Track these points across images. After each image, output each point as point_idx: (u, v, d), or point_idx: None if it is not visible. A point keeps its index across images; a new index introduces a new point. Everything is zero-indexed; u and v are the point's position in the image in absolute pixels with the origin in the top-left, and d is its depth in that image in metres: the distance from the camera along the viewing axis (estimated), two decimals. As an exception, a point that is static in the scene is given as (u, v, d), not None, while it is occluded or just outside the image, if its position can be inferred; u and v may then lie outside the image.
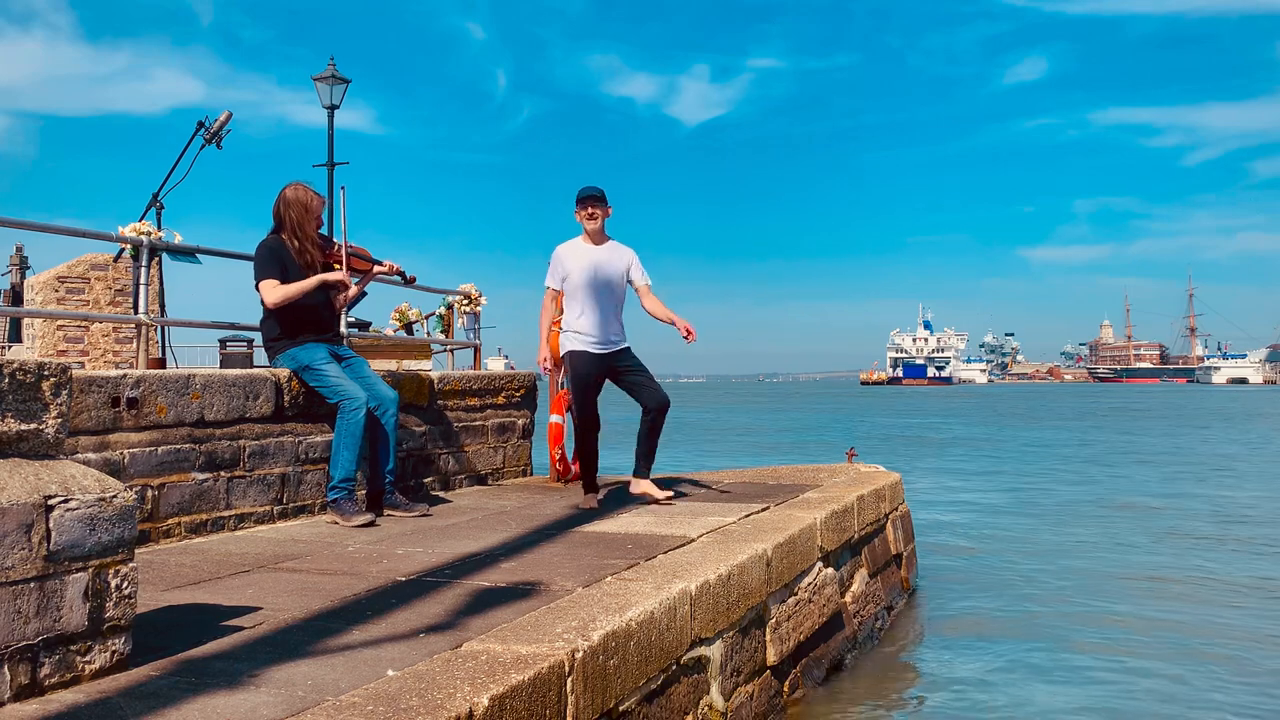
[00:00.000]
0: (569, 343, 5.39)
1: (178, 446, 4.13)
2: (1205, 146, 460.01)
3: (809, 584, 4.46)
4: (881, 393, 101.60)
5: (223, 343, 6.23)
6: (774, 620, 3.96)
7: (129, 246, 5.38)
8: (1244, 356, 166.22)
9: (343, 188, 5.09)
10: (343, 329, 5.52)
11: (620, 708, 2.71)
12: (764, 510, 5.02)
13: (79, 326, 7.72)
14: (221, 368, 5.57)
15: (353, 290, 5.13)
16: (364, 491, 4.91)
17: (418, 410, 5.81)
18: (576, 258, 5.38)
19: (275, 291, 4.67)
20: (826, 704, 4.32)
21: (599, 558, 3.74)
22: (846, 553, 5.29)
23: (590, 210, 5.34)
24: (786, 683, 4.06)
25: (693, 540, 4.11)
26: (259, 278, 4.71)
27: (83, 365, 7.39)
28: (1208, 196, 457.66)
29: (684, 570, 3.44)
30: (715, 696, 3.37)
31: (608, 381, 5.46)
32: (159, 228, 5.53)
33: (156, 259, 5.62)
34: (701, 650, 3.29)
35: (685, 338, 5.44)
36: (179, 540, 4.12)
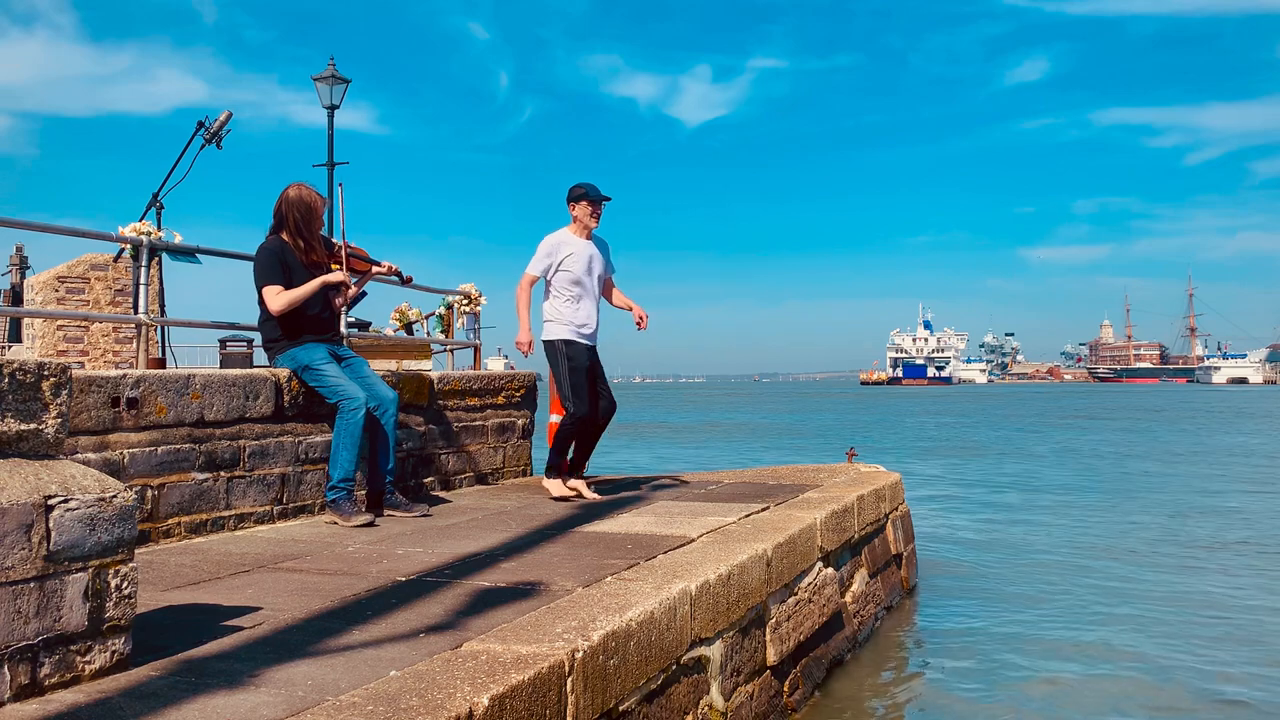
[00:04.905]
0: (562, 332, 5.45)
1: (178, 446, 4.12)
2: (1206, 146, 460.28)
3: (809, 584, 4.46)
4: (882, 393, 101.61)
5: (223, 343, 6.23)
6: (774, 620, 3.96)
7: (129, 246, 5.38)
8: (1244, 356, 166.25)
9: (340, 184, 5.12)
10: (342, 329, 5.52)
11: (620, 708, 2.71)
12: (764, 510, 5.02)
13: (79, 326, 7.72)
14: (221, 368, 5.57)
15: (352, 290, 5.14)
16: (363, 491, 4.91)
17: (418, 410, 5.81)
18: (577, 250, 5.46)
19: (279, 298, 4.68)
20: (825, 704, 4.32)
21: (599, 558, 3.74)
22: (846, 553, 5.29)
23: (600, 211, 5.53)
24: (786, 683, 4.06)
25: (693, 540, 4.11)
26: (261, 284, 4.71)
27: (83, 365, 7.39)
28: (1208, 196, 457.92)
29: (684, 570, 3.44)
30: (715, 696, 3.37)
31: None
32: (159, 228, 5.53)
33: (156, 259, 5.62)
34: (701, 650, 3.29)
35: (639, 324, 5.71)
36: (179, 540, 4.12)
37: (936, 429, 31.35)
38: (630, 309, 5.74)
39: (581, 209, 5.48)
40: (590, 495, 5.62)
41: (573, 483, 5.67)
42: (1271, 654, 5.27)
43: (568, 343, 5.45)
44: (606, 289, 5.71)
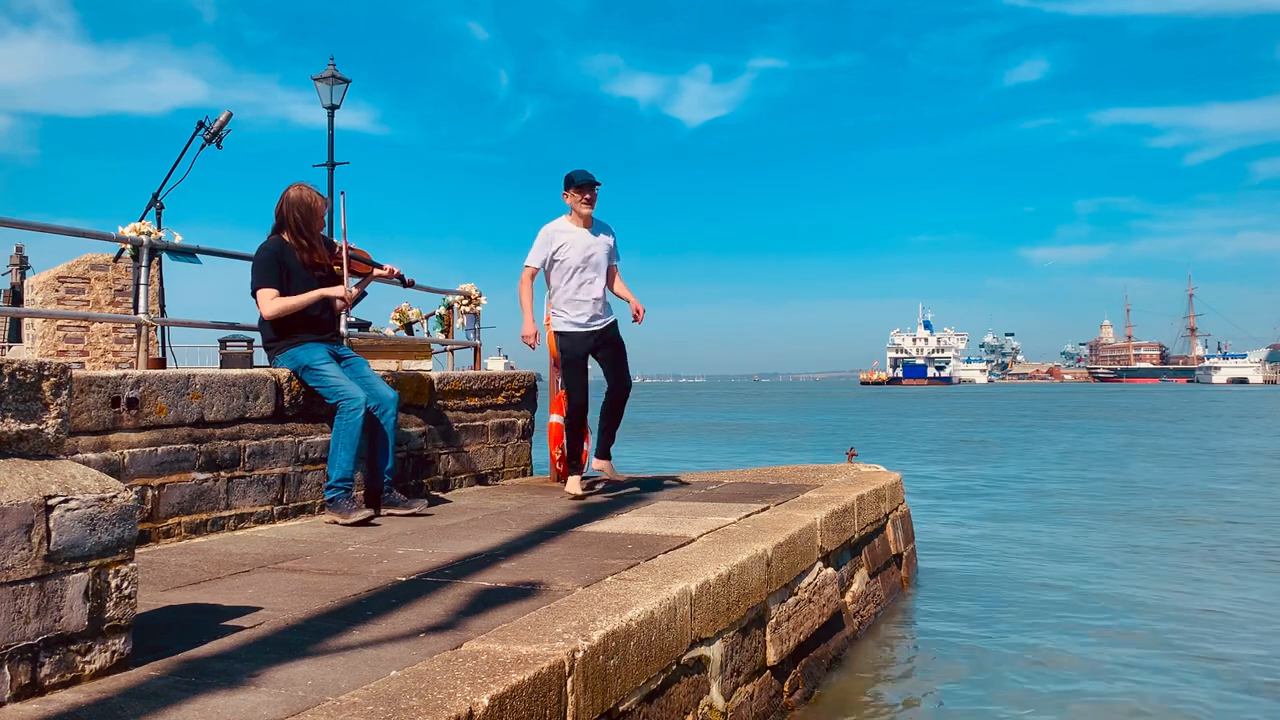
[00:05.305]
0: (560, 324, 5.55)
1: (178, 446, 4.12)
2: (1206, 147, 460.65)
3: (809, 584, 4.46)
4: (882, 393, 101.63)
5: (223, 343, 6.22)
6: (774, 620, 3.96)
7: (129, 246, 5.38)
8: (1244, 356, 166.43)
9: (343, 193, 5.11)
10: (342, 329, 5.53)
11: (620, 708, 2.71)
12: (764, 510, 5.02)
13: (79, 326, 7.72)
14: (221, 368, 5.57)
15: (353, 292, 5.13)
16: (362, 491, 4.91)
17: (418, 410, 5.81)
18: (572, 239, 5.49)
19: (273, 304, 4.69)
20: (825, 704, 4.32)
21: (599, 558, 3.74)
22: (846, 553, 5.29)
23: (590, 196, 5.54)
24: (787, 683, 4.06)
25: (693, 540, 4.11)
26: (256, 286, 4.71)
27: (83, 365, 7.39)
28: (1208, 196, 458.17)
29: (684, 570, 3.44)
30: (715, 696, 3.37)
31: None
32: (159, 228, 5.53)
33: (156, 259, 5.62)
34: (701, 650, 3.29)
35: (635, 317, 5.70)
36: (179, 540, 4.12)
37: (937, 429, 31.34)
38: (628, 300, 5.74)
39: (572, 197, 5.54)
40: (619, 476, 5.77)
41: (599, 463, 5.77)
42: (1275, 660, 5.27)
43: (564, 334, 5.57)
44: (610, 276, 5.69)
